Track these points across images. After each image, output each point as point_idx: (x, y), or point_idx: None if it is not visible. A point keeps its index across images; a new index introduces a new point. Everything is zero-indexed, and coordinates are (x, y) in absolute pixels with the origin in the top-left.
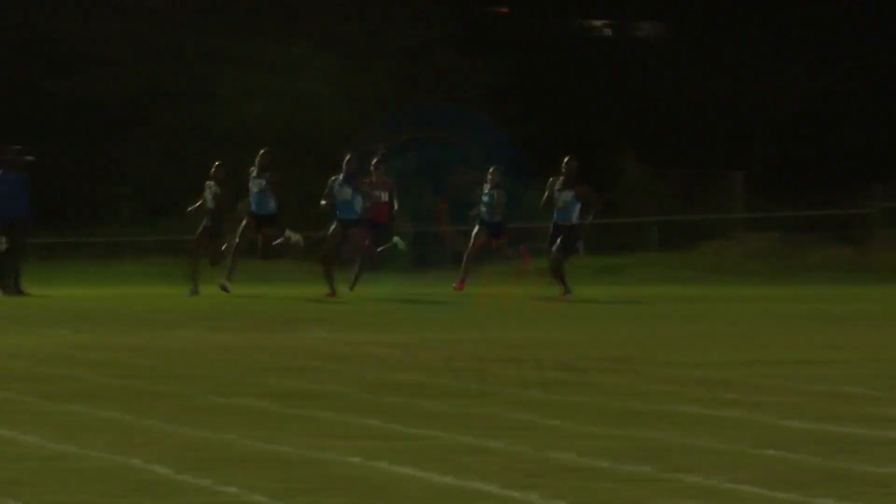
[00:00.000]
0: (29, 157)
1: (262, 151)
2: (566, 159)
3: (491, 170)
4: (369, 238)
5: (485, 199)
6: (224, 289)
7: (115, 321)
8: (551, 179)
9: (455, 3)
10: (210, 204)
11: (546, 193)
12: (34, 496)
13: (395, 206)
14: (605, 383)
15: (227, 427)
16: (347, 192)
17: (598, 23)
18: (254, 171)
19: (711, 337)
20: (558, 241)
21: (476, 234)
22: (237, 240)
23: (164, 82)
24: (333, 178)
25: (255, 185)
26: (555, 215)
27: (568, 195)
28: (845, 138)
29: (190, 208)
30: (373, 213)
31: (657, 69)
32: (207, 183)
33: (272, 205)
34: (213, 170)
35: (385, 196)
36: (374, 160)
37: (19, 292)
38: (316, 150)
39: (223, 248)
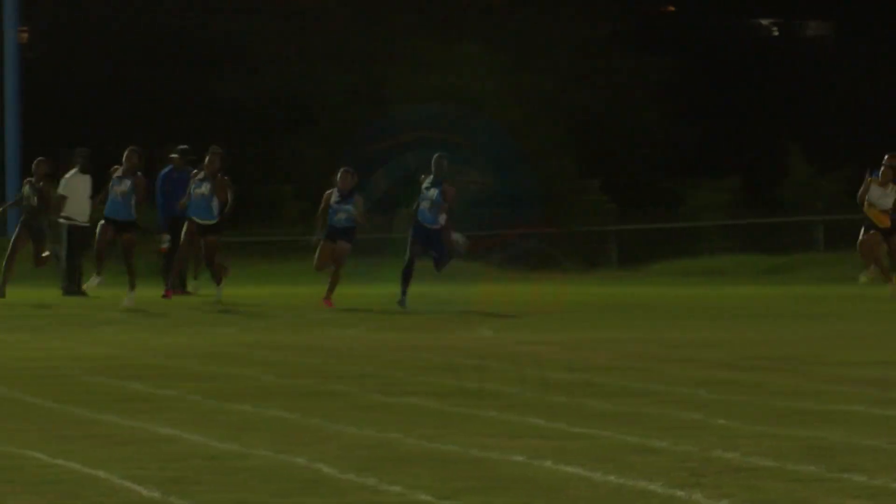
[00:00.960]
0: (193, 157)
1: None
2: None
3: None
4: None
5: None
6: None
7: (283, 320)
8: None
9: (624, 1)
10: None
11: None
12: (198, 494)
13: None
14: (770, 383)
15: (392, 426)
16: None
17: (765, 21)
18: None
19: (878, 336)
20: None
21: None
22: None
23: (331, 83)
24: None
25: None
26: None
27: None
28: None
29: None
30: None
31: (825, 68)
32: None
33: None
34: (34, 166)
35: None
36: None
37: (185, 292)
38: (485, 149)
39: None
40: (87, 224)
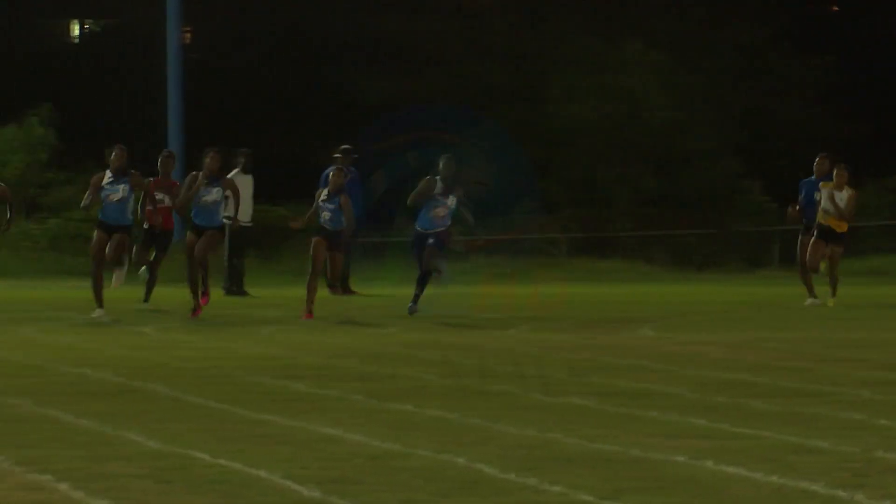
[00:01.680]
0: (356, 156)
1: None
2: None
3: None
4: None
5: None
6: None
7: (447, 320)
8: None
9: (787, 1)
10: None
11: None
12: (361, 494)
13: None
14: None
15: (553, 426)
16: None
17: None
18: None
19: None
20: None
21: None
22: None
23: (494, 82)
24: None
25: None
26: None
27: None
28: None
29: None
30: None
31: None
32: None
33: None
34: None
35: None
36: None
37: (349, 291)
38: (647, 149)
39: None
40: (251, 224)
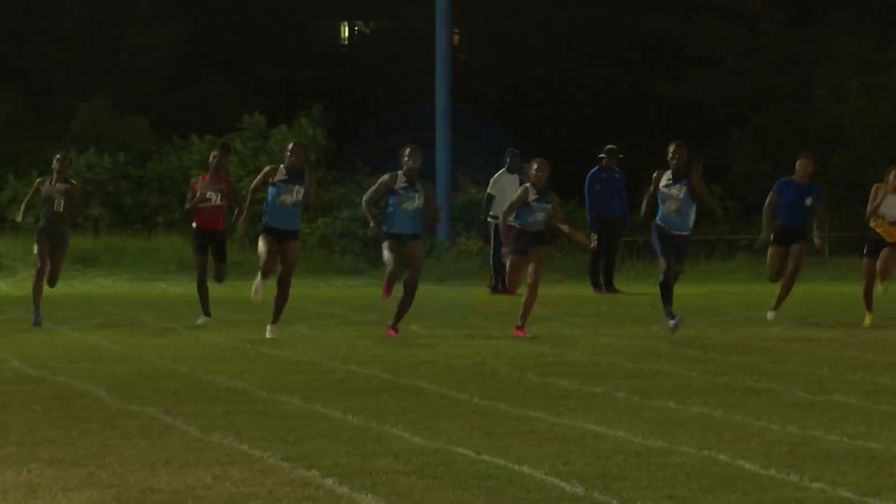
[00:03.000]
0: (621, 156)
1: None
2: None
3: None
4: None
5: None
6: None
7: (711, 319)
8: None
9: None
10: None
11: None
12: (624, 490)
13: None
14: None
15: (816, 423)
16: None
17: None
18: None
19: None
20: None
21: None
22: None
23: (762, 83)
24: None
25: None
26: None
27: None
28: None
29: None
30: None
31: None
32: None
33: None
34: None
35: None
36: None
37: (613, 290)
38: None
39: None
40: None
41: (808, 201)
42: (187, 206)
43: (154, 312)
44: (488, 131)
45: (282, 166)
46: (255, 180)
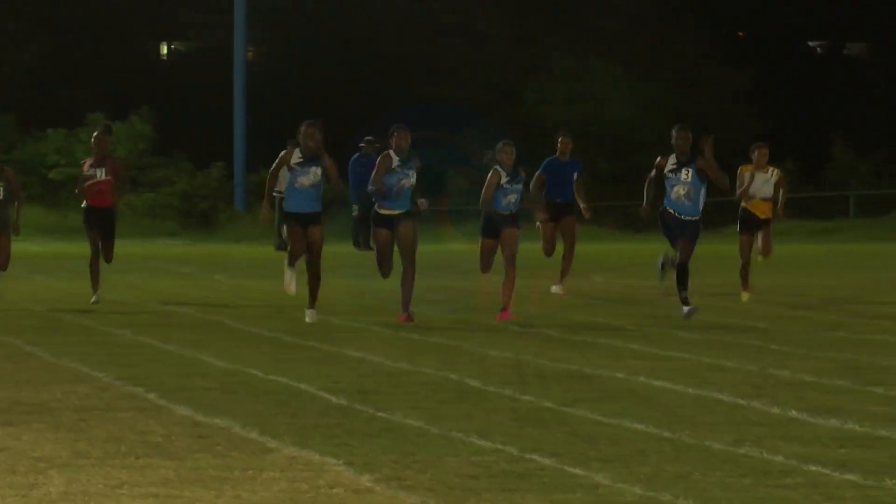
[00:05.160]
0: (378, 145)
1: None
2: None
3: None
4: None
5: None
6: None
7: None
8: None
9: (713, 27)
10: None
11: None
12: (379, 402)
13: None
14: (819, 319)
15: (525, 350)
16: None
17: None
18: None
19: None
20: None
21: None
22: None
23: (490, 90)
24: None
25: None
26: None
27: None
28: None
29: None
30: None
31: (860, 80)
32: None
33: None
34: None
35: None
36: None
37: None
38: (605, 138)
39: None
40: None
41: (576, 176)
42: (77, 188)
43: (22, 266)
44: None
45: (297, 150)
46: (273, 165)
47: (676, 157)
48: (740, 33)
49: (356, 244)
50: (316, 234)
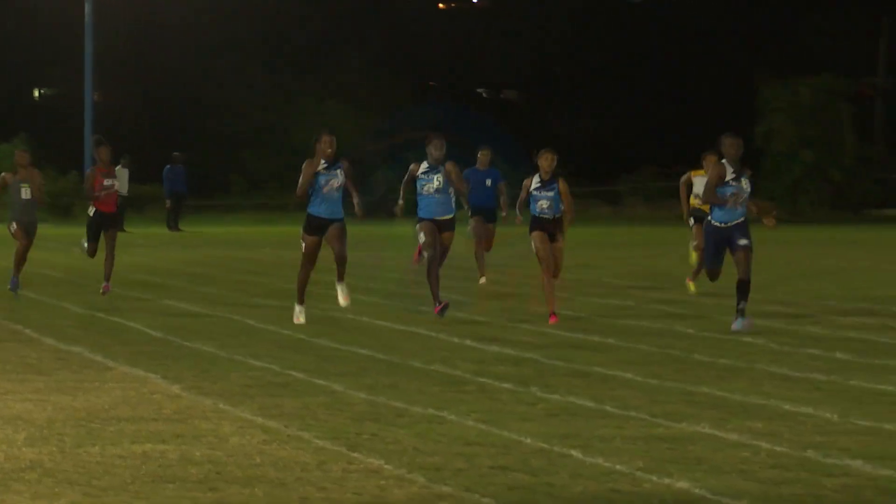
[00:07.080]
0: (185, 157)
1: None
2: None
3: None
4: None
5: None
6: None
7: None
8: None
9: (411, 77)
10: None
11: None
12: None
13: None
14: None
15: (348, 339)
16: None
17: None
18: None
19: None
20: None
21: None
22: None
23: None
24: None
25: None
26: None
27: None
28: None
29: None
30: None
31: None
32: None
33: None
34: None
35: None
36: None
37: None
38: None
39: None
40: None
41: (489, 182)
42: (94, 194)
43: None
44: None
45: (321, 159)
46: (304, 173)
47: (734, 167)
48: (431, 83)
49: (169, 227)
50: (339, 230)
